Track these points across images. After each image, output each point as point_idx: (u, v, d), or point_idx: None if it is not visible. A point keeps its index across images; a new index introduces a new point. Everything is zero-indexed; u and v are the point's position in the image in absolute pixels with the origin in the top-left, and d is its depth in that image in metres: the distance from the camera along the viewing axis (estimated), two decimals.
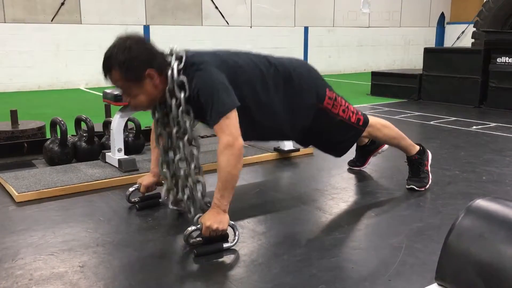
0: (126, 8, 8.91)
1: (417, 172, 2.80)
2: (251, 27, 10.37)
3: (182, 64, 2.09)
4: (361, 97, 7.32)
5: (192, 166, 2.14)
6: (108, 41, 2.12)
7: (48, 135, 3.58)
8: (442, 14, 13.67)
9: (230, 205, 2.04)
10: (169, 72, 2.07)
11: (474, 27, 8.58)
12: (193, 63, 2.09)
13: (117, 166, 3.06)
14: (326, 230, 2.26)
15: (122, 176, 2.94)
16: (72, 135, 3.46)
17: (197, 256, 1.95)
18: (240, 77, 2.18)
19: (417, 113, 5.72)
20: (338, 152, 2.75)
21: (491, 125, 4.92)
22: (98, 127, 3.57)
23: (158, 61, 2.08)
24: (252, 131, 2.29)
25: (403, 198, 2.68)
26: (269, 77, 2.30)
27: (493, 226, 1.37)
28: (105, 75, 2.09)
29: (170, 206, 2.38)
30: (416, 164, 2.80)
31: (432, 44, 13.42)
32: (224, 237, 2.02)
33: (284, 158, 3.53)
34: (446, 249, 1.41)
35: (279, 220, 2.40)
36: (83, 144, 3.30)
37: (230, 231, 2.05)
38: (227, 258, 1.97)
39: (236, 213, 2.22)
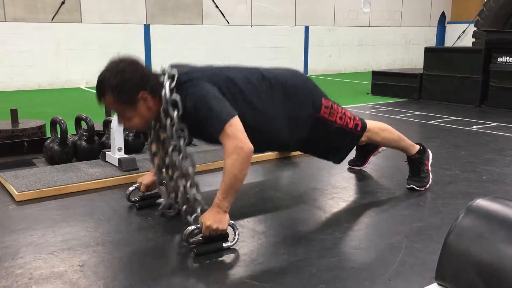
0: (126, 7, 8.90)
1: (417, 172, 2.79)
2: (251, 26, 10.36)
3: (174, 82, 2.09)
4: (362, 97, 7.32)
5: (188, 184, 2.13)
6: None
7: (48, 134, 3.58)
8: (443, 13, 13.66)
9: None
10: (163, 92, 2.07)
11: (474, 26, 8.57)
12: (185, 80, 2.10)
13: (117, 165, 3.06)
14: (326, 230, 2.25)
15: (122, 175, 2.94)
16: (72, 134, 3.46)
17: (197, 255, 1.95)
18: (232, 90, 2.18)
19: (417, 113, 5.72)
20: (337, 158, 2.73)
21: (491, 124, 4.91)
22: (98, 126, 3.57)
23: (152, 83, 2.08)
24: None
25: (403, 198, 2.68)
26: (263, 90, 2.29)
27: (493, 225, 1.37)
28: (99, 99, 2.09)
29: (164, 210, 2.38)
30: (416, 163, 2.80)
31: (432, 43, 13.41)
32: (224, 236, 2.02)
33: (284, 157, 3.53)
34: (446, 248, 1.41)
35: (279, 219, 2.40)
36: (83, 143, 3.30)
37: (230, 230, 2.05)
38: (227, 258, 1.97)
39: (236, 213, 2.22)
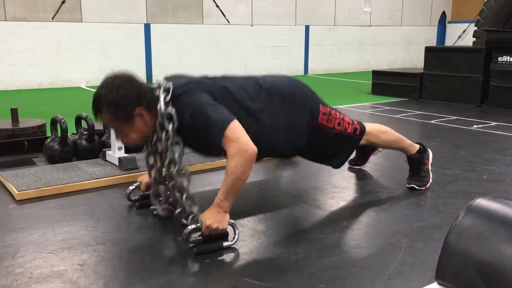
0: (126, 7, 8.90)
1: (417, 171, 2.79)
2: (251, 25, 10.35)
3: (170, 95, 2.09)
4: (362, 96, 7.32)
5: (184, 196, 2.12)
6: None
7: (48, 133, 3.58)
8: (444, 13, 13.65)
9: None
10: (158, 106, 2.07)
11: (475, 26, 8.57)
12: (180, 93, 2.09)
13: (117, 164, 3.07)
14: (326, 229, 2.25)
15: (123, 175, 2.94)
16: (72, 133, 3.46)
17: (197, 255, 1.95)
18: (228, 99, 2.17)
19: (418, 112, 5.71)
20: (336, 163, 2.72)
21: (492, 124, 4.91)
22: (99, 125, 3.56)
23: (147, 97, 2.08)
24: None
25: (404, 197, 2.68)
26: (259, 99, 2.28)
27: (493, 225, 1.36)
28: (96, 116, 2.09)
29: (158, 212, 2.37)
30: (416, 163, 2.80)
31: (433, 43, 13.41)
32: (224, 235, 2.02)
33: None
34: (446, 248, 1.41)
35: (279, 218, 2.40)
36: (84, 142, 3.30)
37: (230, 229, 2.05)
38: (227, 257, 1.97)
39: (236, 212, 2.22)
